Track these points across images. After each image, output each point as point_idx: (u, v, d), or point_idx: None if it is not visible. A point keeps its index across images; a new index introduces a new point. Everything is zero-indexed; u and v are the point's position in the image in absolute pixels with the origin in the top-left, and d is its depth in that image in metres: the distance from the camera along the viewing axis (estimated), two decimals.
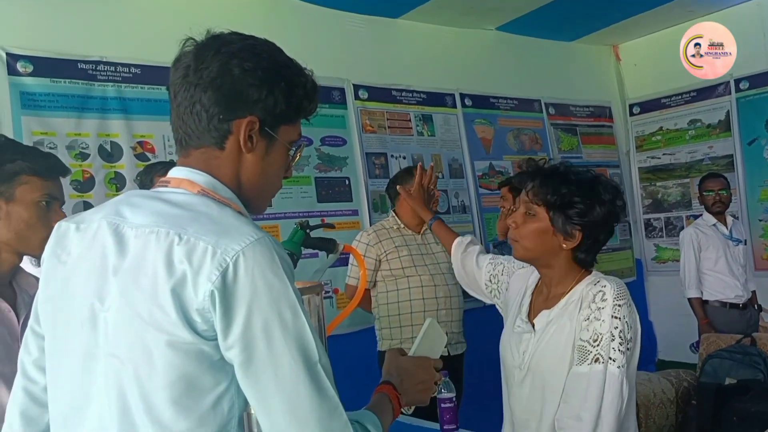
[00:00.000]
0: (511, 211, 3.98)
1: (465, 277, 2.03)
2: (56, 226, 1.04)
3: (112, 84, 3.36)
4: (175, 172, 1.02)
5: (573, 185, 1.53)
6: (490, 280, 1.89)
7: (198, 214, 0.92)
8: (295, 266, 1.62)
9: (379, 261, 3.08)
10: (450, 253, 2.13)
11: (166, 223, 0.91)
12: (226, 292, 0.86)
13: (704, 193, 4.05)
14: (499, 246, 4.21)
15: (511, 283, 1.79)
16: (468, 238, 2.09)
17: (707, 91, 5.07)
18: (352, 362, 3.01)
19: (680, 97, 5.30)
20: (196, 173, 0.99)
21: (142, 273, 0.89)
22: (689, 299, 4.01)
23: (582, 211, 1.53)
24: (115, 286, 0.91)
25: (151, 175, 2.64)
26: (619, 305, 1.47)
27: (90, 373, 0.93)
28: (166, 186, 1.01)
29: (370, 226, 3.37)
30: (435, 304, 3.05)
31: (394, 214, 3.23)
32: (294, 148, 1.07)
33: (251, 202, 1.04)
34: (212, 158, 1.00)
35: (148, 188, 2.66)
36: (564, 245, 1.56)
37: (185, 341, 0.87)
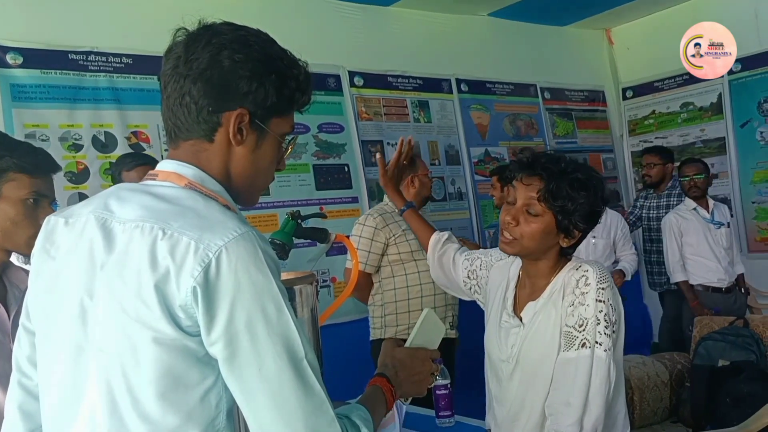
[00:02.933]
0: (503, 201, 3.96)
1: (443, 276, 1.97)
2: (45, 220, 1.03)
3: (104, 74, 3.34)
4: (163, 165, 1.00)
5: (583, 189, 1.50)
6: (469, 277, 1.84)
7: (183, 209, 0.91)
8: (287, 257, 1.62)
9: (387, 245, 2.94)
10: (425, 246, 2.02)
11: (152, 217, 0.90)
12: (208, 287, 0.85)
13: (681, 179, 4.08)
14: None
15: (491, 276, 1.76)
16: (445, 235, 2.00)
17: None
18: (343, 354, 3.01)
19: (673, 80, 5.30)
20: (184, 166, 0.98)
21: (127, 268, 0.89)
22: (677, 283, 4.05)
23: (589, 216, 1.53)
24: (102, 281, 0.91)
25: (118, 170, 2.61)
26: (603, 288, 1.48)
27: (80, 367, 0.93)
28: (154, 179, 1.00)
29: (371, 209, 3.19)
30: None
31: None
32: (287, 141, 1.05)
33: (241, 194, 1.03)
34: (201, 150, 0.99)
35: (117, 182, 2.59)
36: (562, 243, 1.56)
37: (170, 337, 0.86)
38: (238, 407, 0.92)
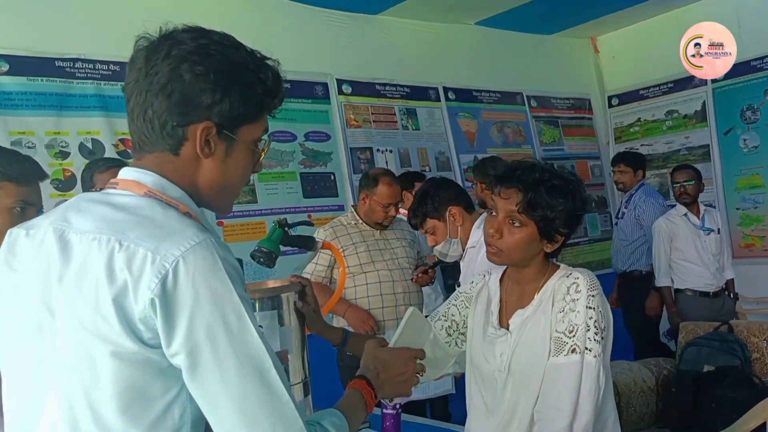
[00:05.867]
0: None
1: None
2: (8, 232, 1.01)
3: (91, 81, 3.34)
4: (124, 173, 0.98)
5: (560, 196, 1.52)
6: (449, 334, 1.72)
7: (141, 218, 0.89)
8: (274, 264, 1.63)
9: (335, 257, 2.92)
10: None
11: (109, 229, 0.89)
12: (166, 299, 0.83)
13: (673, 185, 4.14)
14: None
15: (477, 307, 1.69)
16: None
17: (684, 82, 5.14)
18: (334, 362, 2.96)
19: (658, 88, 5.37)
20: (145, 173, 0.95)
21: (85, 281, 0.87)
22: (660, 287, 4.10)
23: (569, 220, 1.55)
24: (60, 294, 0.89)
25: (91, 172, 2.54)
26: (593, 296, 1.50)
27: (41, 383, 0.91)
28: (114, 187, 0.97)
29: (327, 224, 3.17)
30: (393, 299, 2.98)
31: (353, 210, 3.16)
32: (262, 144, 1.02)
33: (212, 203, 1.01)
34: (166, 162, 0.96)
35: (89, 185, 2.53)
36: (546, 249, 1.58)
37: (130, 351, 0.85)
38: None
